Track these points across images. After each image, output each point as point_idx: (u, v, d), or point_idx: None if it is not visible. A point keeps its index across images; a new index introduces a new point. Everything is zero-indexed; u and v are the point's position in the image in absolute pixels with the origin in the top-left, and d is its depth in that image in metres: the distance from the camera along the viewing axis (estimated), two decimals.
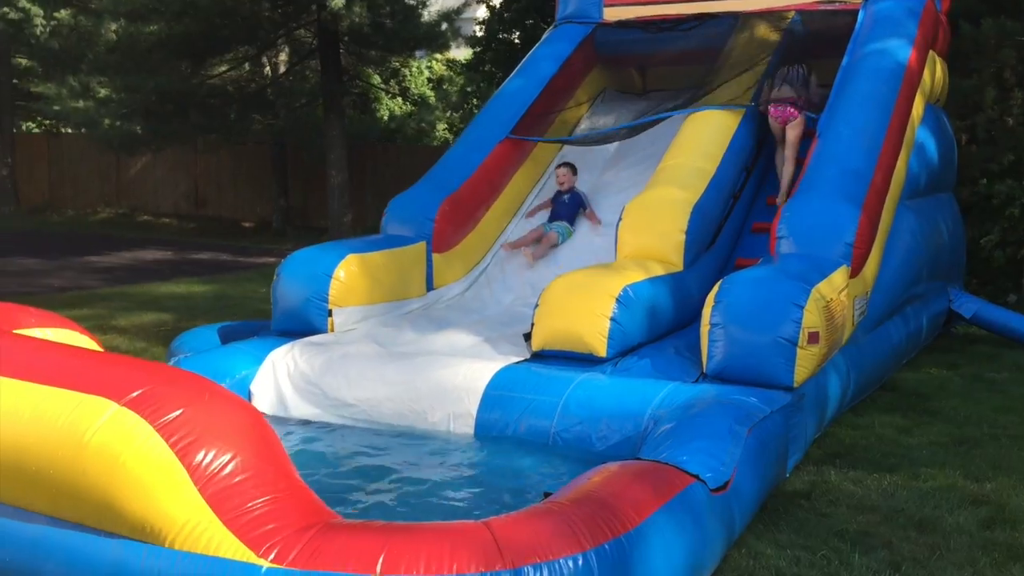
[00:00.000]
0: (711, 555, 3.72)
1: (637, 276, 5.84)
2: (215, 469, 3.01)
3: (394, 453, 4.82)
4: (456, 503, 4.20)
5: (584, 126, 9.15)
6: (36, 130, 28.02)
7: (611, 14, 9.19)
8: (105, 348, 7.79)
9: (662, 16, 8.96)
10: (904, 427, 5.95)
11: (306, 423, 5.38)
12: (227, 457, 3.04)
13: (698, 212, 6.59)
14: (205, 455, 3.01)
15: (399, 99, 27.65)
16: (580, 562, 2.92)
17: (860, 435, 5.76)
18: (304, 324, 6.19)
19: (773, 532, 4.33)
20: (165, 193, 24.52)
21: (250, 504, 3.00)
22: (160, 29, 15.01)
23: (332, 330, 6.16)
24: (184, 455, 3.00)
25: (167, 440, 3.01)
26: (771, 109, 7.56)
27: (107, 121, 15.71)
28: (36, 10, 19.28)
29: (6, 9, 19.43)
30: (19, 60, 23.78)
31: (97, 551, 3.05)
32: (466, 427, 5.10)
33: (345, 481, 4.46)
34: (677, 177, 6.86)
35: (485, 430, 5.06)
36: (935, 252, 7.76)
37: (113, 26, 15.44)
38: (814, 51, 8.06)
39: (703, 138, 7.25)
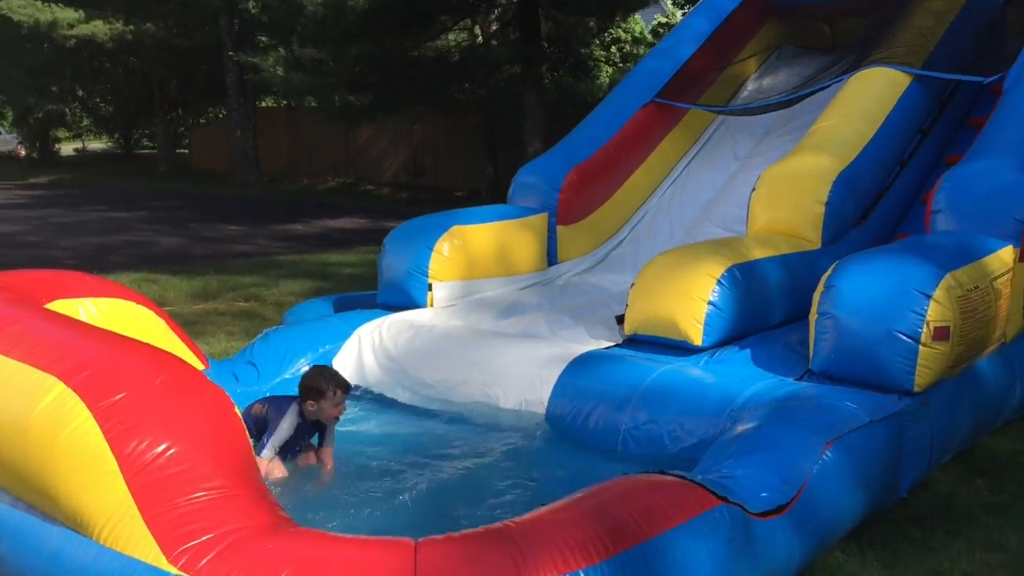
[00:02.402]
0: None
1: (752, 254, 5.13)
2: (148, 460, 2.80)
3: (445, 440, 4.49)
4: (486, 500, 3.80)
5: (750, 88, 8.33)
6: (277, 104, 29.92)
7: None
8: (252, 315, 8.06)
9: None
10: None
11: (380, 398, 5.16)
12: (162, 447, 2.82)
13: (844, 181, 5.72)
14: (138, 444, 2.81)
15: (620, 65, 27.00)
16: None
17: None
18: (405, 298, 5.97)
19: (856, 564, 3.62)
20: (387, 163, 25.45)
21: (178, 500, 2.76)
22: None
23: (431, 304, 5.90)
24: (116, 443, 2.81)
25: (102, 425, 2.84)
26: None
27: (314, 92, 16.25)
28: None
29: None
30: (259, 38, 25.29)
31: (39, 538, 2.93)
32: (537, 416, 4.67)
33: (381, 463, 4.19)
34: (825, 142, 5.99)
35: (556, 421, 4.61)
36: None
37: None
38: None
39: (865, 97, 6.29)
